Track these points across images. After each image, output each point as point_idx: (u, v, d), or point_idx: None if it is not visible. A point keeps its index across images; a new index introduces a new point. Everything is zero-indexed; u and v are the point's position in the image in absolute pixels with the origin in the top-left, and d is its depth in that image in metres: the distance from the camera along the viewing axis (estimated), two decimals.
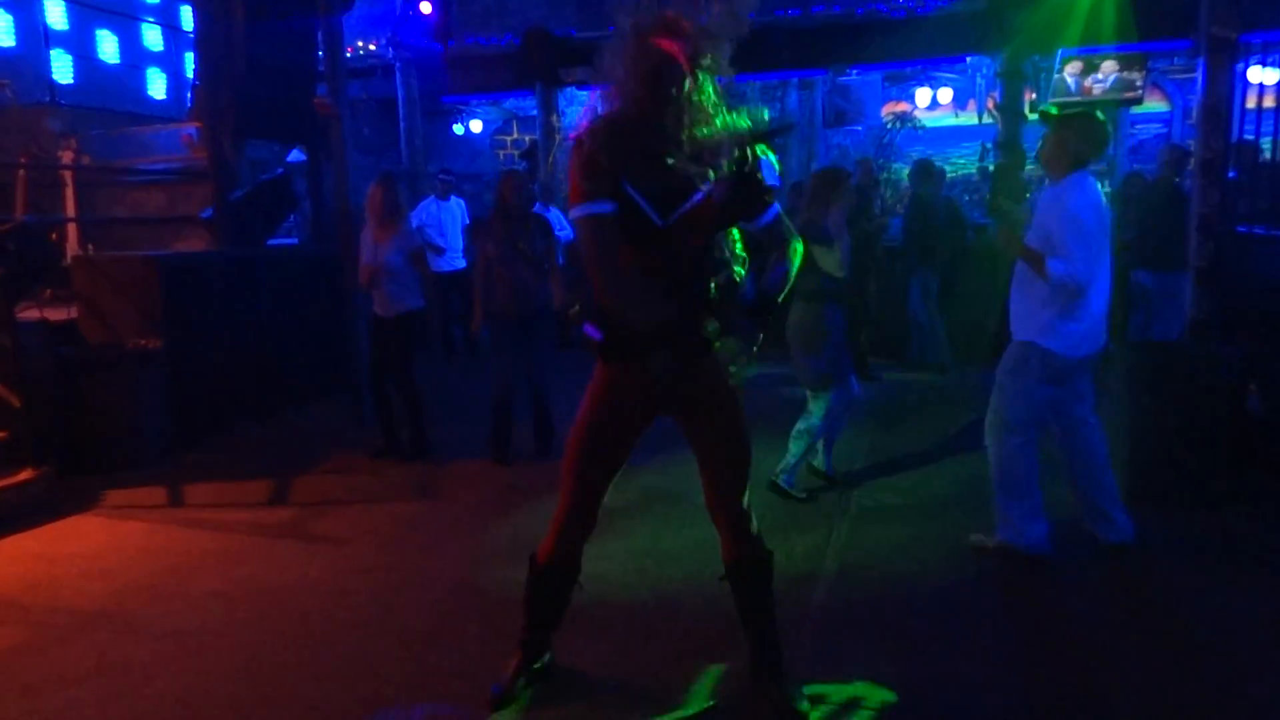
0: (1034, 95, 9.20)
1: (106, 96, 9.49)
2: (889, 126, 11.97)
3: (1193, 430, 4.18)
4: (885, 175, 11.49)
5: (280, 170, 7.73)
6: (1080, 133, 3.48)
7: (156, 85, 10.75)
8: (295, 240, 8.47)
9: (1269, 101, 6.74)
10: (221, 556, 3.94)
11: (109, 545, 4.11)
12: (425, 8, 8.63)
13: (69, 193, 7.17)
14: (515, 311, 5.05)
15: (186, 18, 10.65)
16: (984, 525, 3.77)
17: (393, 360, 5.35)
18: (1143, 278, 6.66)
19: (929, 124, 12.06)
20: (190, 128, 7.52)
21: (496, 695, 2.67)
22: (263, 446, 5.83)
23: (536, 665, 2.75)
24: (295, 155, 10.30)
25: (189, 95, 7.45)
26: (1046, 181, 3.56)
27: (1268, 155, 6.05)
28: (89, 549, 4.07)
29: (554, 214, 8.38)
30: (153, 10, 10.68)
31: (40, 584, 3.68)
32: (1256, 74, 7.73)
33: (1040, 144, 3.60)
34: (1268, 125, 6.55)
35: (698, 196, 2.33)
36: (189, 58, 10.82)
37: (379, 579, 3.63)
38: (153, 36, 10.64)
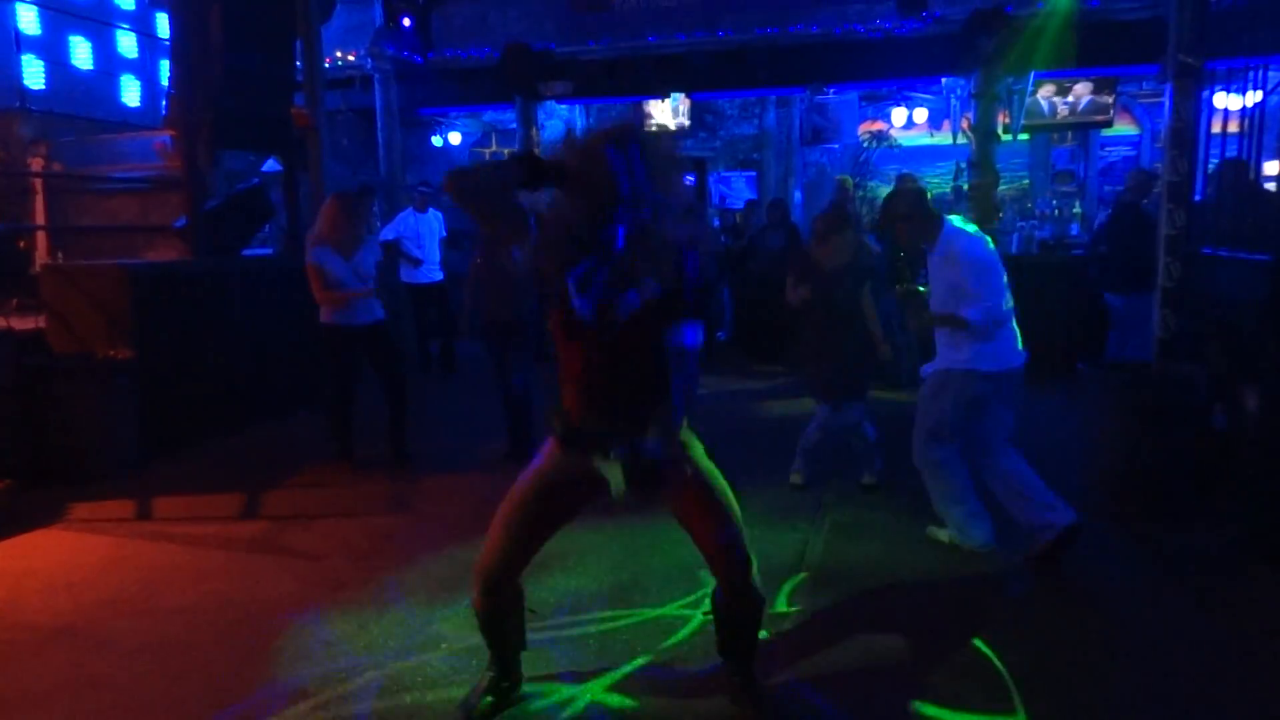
0: (1007, 117, 9.35)
1: (79, 103, 9.39)
2: (865, 145, 12.11)
3: (1161, 449, 4.25)
4: (862, 194, 11.63)
5: (256, 180, 7.67)
6: (906, 205, 3.86)
7: (130, 92, 10.65)
8: (270, 251, 8.40)
9: (1234, 126, 6.93)
10: (190, 571, 3.87)
11: (74, 559, 4.03)
12: (405, 21, 8.62)
13: (39, 200, 7.08)
14: (500, 320, 5.23)
15: (162, 25, 10.59)
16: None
17: (385, 363, 5.33)
18: (1112, 299, 6.77)
19: (905, 143, 12.22)
20: (164, 136, 7.46)
21: (461, 713, 2.65)
22: (234, 459, 5.75)
23: (505, 684, 2.72)
24: (271, 165, 10.24)
25: (164, 103, 7.37)
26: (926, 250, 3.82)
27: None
28: (53, 563, 3.98)
29: None
30: (128, 16, 10.60)
31: (3, 599, 3.60)
32: (1221, 100, 7.94)
33: (897, 235, 3.90)
34: (1233, 149, 6.74)
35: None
36: (164, 65, 10.76)
37: (352, 594, 3.59)
38: (127, 43, 10.55)
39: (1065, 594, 3.55)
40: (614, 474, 2.32)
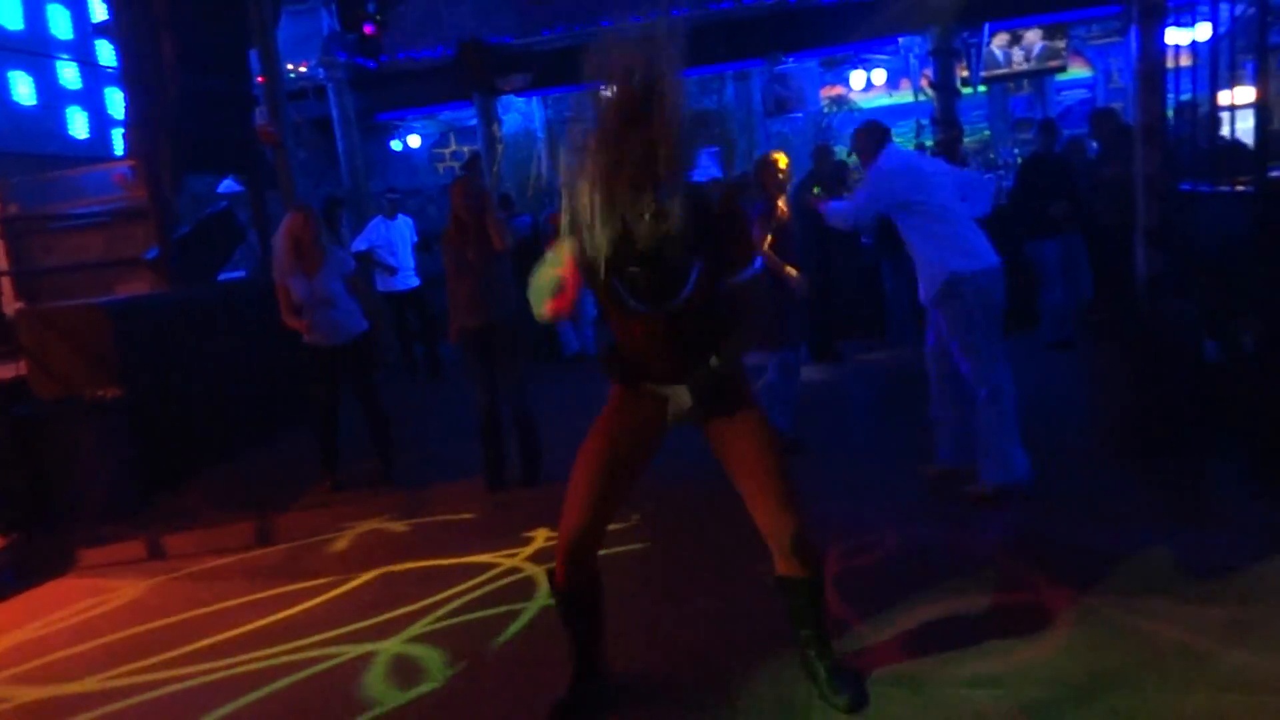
0: (966, 70, 9.41)
1: (26, 140, 9.17)
2: (826, 111, 12.15)
3: (1155, 385, 4.33)
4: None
5: (224, 204, 7.53)
6: (863, 127, 4.30)
7: (78, 124, 10.41)
8: (242, 273, 8.26)
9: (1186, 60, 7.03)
10: (217, 606, 3.82)
11: (96, 608, 3.97)
12: (367, 29, 8.47)
13: None
14: (473, 325, 4.79)
15: (104, 52, 10.33)
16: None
17: (361, 384, 5.25)
18: (1032, 250, 6.90)
19: (864, 105, 12.27)
20: (123, 166, 7.28)
21: (553, 711, 2.61)
22: (236, 487, 5.68)
23: (589, 680, 2.66)
24: (229, 185, 10.05)
25: (123, 134, 7.20)
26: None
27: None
28: (76, 614, 3.92)
29: (520, 222, 8.34)
30: (67, 46, 10.32)
31: (30, 658, 3.53)
32: (1173, 35, 8.04)
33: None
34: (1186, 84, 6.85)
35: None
36: (110, 94, 10.50)
37: (385, 612, 3.57)
38: (69, 74, 10.29)
39: (1084, 521, 3.61)
40: (678, 394, 2.41)
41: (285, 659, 3.23)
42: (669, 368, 2.41)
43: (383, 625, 3.38)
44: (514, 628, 3.22)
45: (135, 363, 5.64)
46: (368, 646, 3.22)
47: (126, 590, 4.15)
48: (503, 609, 3.38)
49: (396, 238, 8.44)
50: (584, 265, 2.28)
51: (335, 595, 3.79)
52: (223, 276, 7.48)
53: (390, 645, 3.21)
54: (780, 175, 4.81)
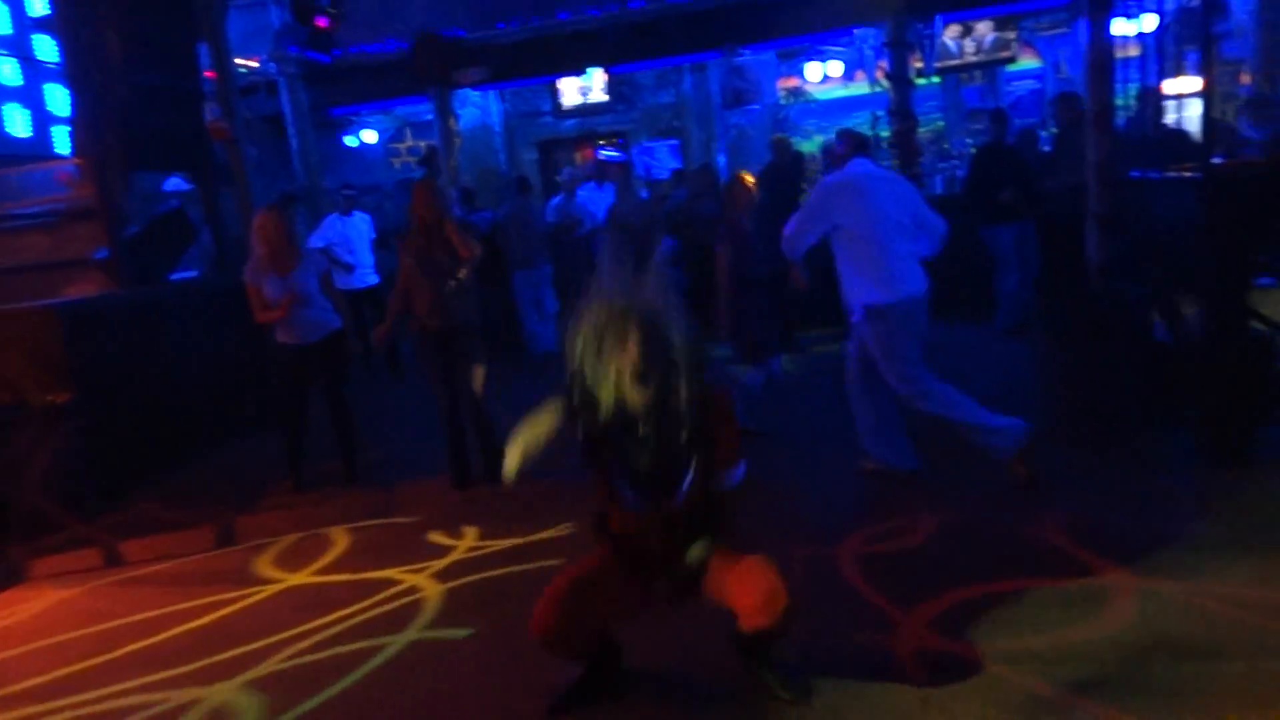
0: (920, 61, 9.53)
1: None
2: (783, 103, 12.22)
3: (1108, 367, 4.45)
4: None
5: (175, 203, 7.36)
6: (839, 142, 4.46)
7: (17, 122, 10.07)
8: (195, 273, 8.08)
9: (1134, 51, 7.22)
10: (176, 610, 3.75)
11: (52, 619, 3.87)
12: (320, 23, 8.31)
13: None
14: (435, 328, 4.76)
15: (43, 48, 10.02)
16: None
17: (332, 384, 5.18)
18: (986, 235, 7.03)
19: (820, 97, 12.37)
20: (68, 165, 7.10)
21: (551, 705, 2.65)
22: (193, 490, 5.57)
23: (594, 678, 2.69)
24: (173, 184, 9.82)
25: (69, 131, 7.00)
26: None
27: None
28: (29, 626, 3.82)
29: (480, 218, 8.25)
30: (5, 42, 9.99)
31: None
32: (1120, 26, 8.25)
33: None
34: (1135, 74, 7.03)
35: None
36: (50, 90, 10.19)
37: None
38: (8, 70, 9.95)
39: (1044, 497, 3.70)
40: (661, 585, 2.54)
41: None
42: (657, 561, 2.51)
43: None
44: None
45: (86, 366, 5.50)
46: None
47: (34, 603, 4.06)
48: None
49: (353, 235, 8.32)
50: (586, 447, 2.43)
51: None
52: (176, 276, 7.32)
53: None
54: (750, 195, 5.01)
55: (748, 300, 4.96)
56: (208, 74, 7.48)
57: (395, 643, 3.22)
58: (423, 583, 3.72)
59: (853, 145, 4.28)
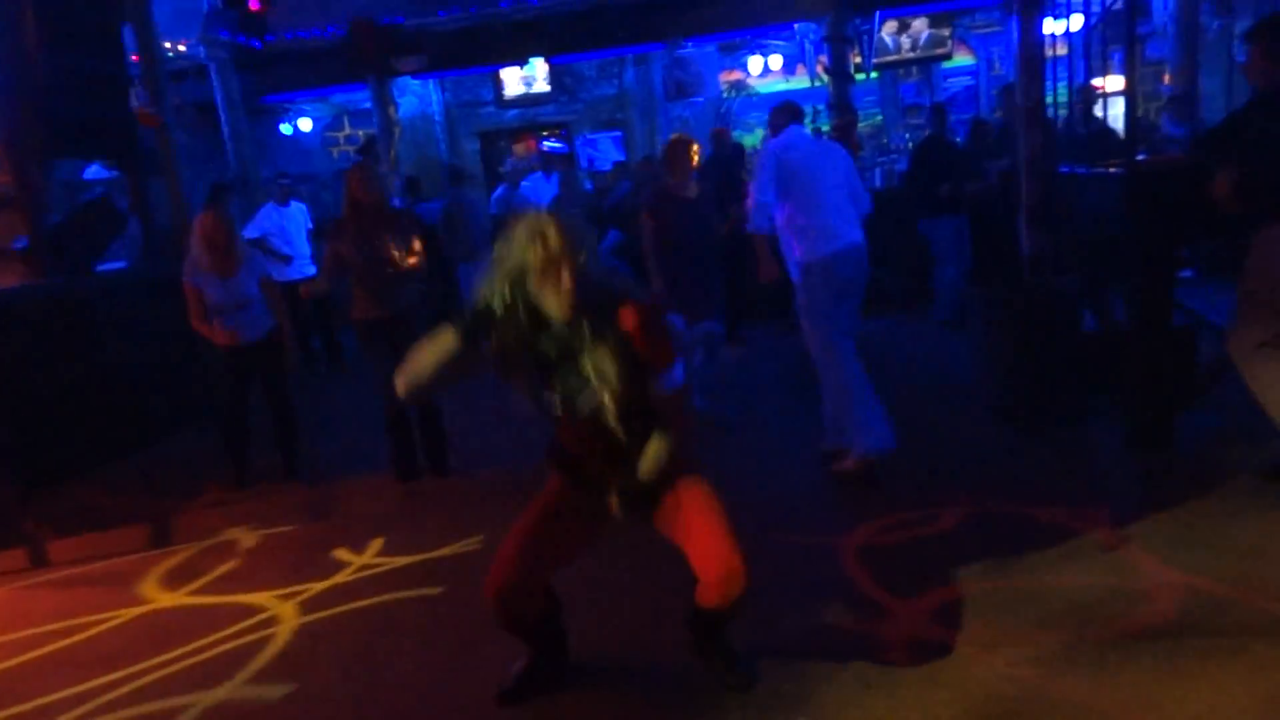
0: (859, 56, 9.68)
1: None
2: (725, 96, 12.29)
3: (1040, 357, 4.60)
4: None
5: (100, 190, 7.09)
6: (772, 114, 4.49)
7: None
8: (123, 264, 7.80)
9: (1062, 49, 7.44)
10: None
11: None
12: (253, 6, 8.07)
13: None
14: (375, 317, 4.65)
15: None
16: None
17: (274, 382, 5.05)
18: (925, 228, 7.22)
19: (762, 90, 12.48)
20: None
21: (501, 694, 2.64)
22: (125, 488, 5.39)
23: (541, 664, 2.69)
24: (94, 171, 9.45)
25: None
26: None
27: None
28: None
29: (426, 209, 8.11)
30: None
31: None
32: (1050, 25, 8.48)
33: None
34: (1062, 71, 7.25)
35: None
36: None
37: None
38: None
39: (977, 484, 3.81)
40: (612, 502, 2.50)
41: None
42: (603, 471, 2.49)
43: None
44: None
45: (7, 359, 5.28)
46: None
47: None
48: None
49: (290, 225, 8.13)
50: (500, 363, 2.41)
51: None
52: (102, 267, 7.05)
53: None
54: (687, 158, 4.97)
55: (677, 264, 4.92)
56: (134, 57, 7.22)
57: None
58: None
59: (790, 114, 4.39)
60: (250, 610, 3.51)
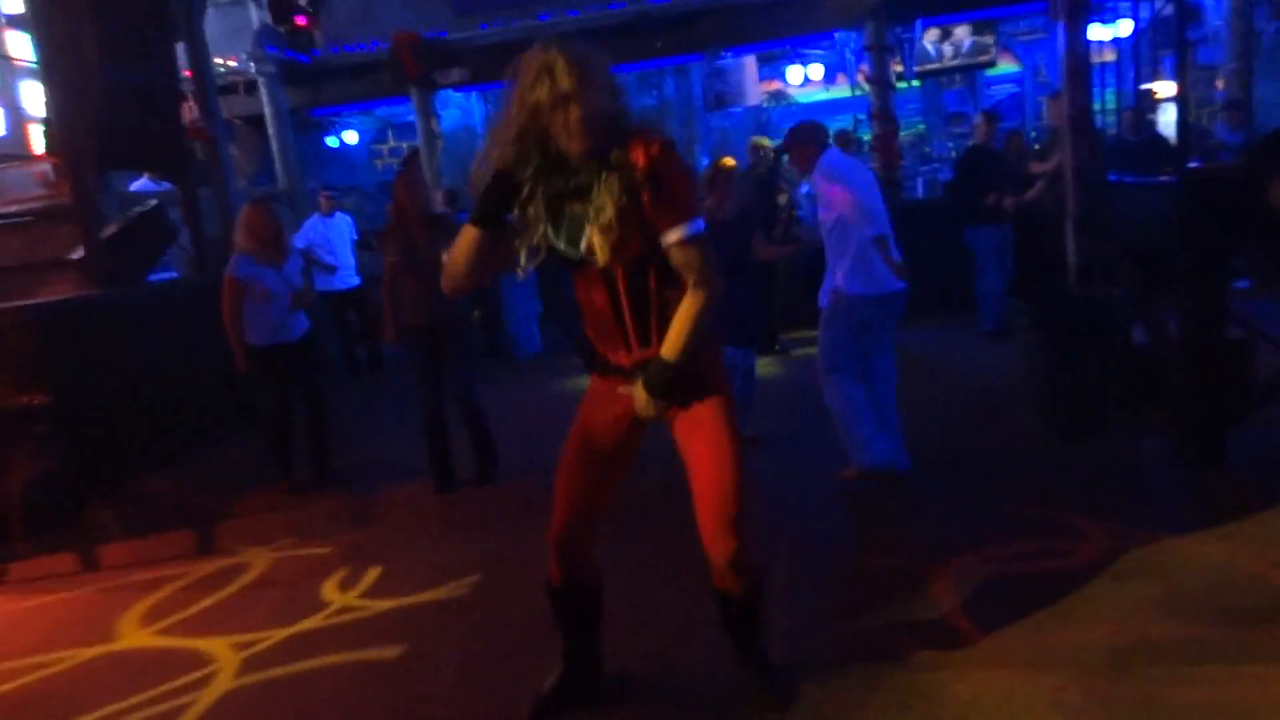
0: (900, 65, 9.60)
1: None
2: (765, 106, 12.26)
3: (1089, 370, 4.49)
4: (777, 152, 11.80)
5: (154, 202, 7.28)
6: (793, 135, 4.25)
7: None
8: (175, 274, 8.00)
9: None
10: (154, 615, 3.70)
11: (29, 625, 3.81)
12: (299, 21, 8.25)
13: None
14: (421, 323, 4.71)
15: (17, 45, 9.89)
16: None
17: (309, 383, 5.15)
18: (970, 236, 7.10)
19: (802, 100, 12.43)
20: (44, 164, 7.00)
21: (534, 707, 2.60)
22: (174, 494, 5.50)
23: (575, 680, 2.64)
24: (141, 184, 9.70)
25: (44, 130, 6.91)
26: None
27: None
28: (5, 633, 3.76)
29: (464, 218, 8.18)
30: None
31: None
32: (1096, 31, 8.35)
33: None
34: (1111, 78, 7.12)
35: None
36: (24, 87, 10.06)
37: (337, 616, 3.51)
38: None
39: (1020, 498, 3.73)
40: (637, 391, 2.31)
41: None
42: (625, 352, 2.33)
43: None
44: None
45: (65, 368, 5.43)
46: None
47: (57, 605, 3.98)
48: None
49: (335, 236, 8.28)
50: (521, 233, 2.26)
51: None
52: (154, 277, 7.24)
53: None
54: (729, 184, 4.92)
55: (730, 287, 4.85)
56: (186, 73, 7.42)
57: None
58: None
59: (825, 135, 4.29)
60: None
